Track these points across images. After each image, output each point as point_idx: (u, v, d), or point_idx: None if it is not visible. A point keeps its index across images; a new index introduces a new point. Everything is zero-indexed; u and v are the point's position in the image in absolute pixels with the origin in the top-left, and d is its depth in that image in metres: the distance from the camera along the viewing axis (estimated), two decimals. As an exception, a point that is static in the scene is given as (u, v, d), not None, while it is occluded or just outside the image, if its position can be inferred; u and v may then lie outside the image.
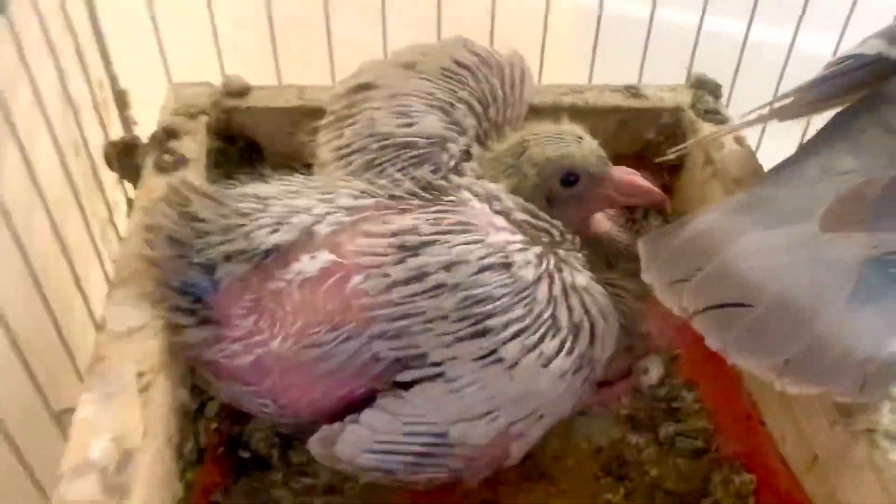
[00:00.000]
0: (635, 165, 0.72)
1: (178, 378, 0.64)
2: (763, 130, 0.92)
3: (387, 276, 0.59)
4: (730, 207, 0.64)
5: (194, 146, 0.75)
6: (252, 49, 0.83)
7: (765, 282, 0.58)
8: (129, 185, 0.84)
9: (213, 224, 0.62)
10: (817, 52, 0.92)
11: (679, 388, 0.77)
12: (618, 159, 0.85)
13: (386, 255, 0.60)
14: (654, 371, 0.78)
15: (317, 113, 0.77)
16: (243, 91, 0.81)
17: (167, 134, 0.75)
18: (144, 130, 0.81)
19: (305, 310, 0.60)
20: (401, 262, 0.59)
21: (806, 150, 0.67)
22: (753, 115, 0.71)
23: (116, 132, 0.84)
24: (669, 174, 0.87)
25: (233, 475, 0.67)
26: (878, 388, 0.56)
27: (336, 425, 0.61)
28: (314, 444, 0.61)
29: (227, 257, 0.61)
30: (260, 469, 0.68)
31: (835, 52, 0.89)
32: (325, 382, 0.61)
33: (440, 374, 0.59)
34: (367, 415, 0.60)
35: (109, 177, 0.83)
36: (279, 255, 0.62)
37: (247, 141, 0.81)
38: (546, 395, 0.61)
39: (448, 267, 0.59)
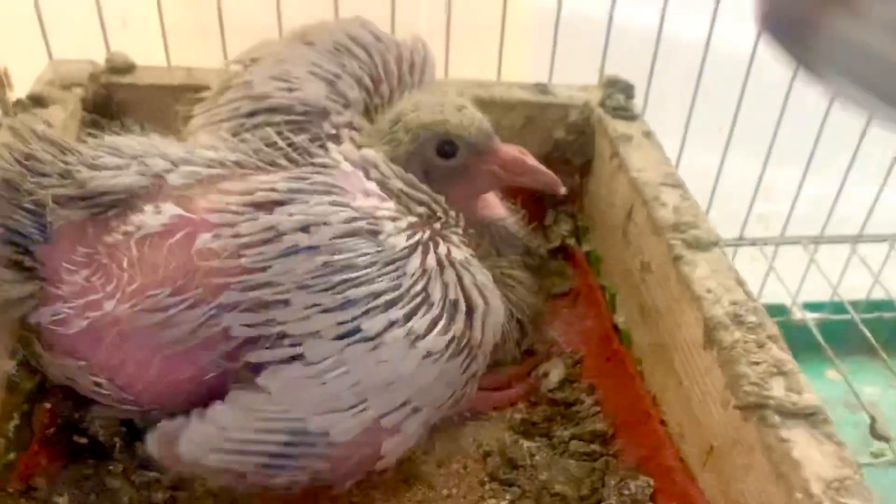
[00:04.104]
0: (545, 166, 0.67)
1: (5, 346, 0.58)
2: (683, 140, 0.89)
3: (237, 235, 0.53)
4: None
5: (62, 115, 0.70)
6: (145, 30, 0.79)
7: None
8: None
9: (52, 167, 0.57)
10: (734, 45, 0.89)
11: (579, 392, 0.70)
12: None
13: (239, 213, 0.54)
14: (554, 375, 0.73)
15: (203, 91, 0.73)
16: (127, 68, 0.77)
17: (33, 101, 0.70)
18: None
19: (145, 268, 0.54)
20: (252, 219, 0.54)
21: None
22: None
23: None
24: (580, 175, 0.83)
25: (62, 460, 0.59)
26: None
27: (178, 420, 0.54)
28: (151, 443, 0.55)
29: (60, 201, 0.56)
30: (96, 457, 0.60)
31: (754, 47, 0.85)
32: (166, 357, 0.55)
33: (299, 357, 0.53)
34: (215, 409, 0.54)
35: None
36: (122, 208, 0.57)
37: (127, 118, 0.76)
38: (416, 380, 0.55)
39: (306, 228, 0.53)
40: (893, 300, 1.03)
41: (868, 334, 0.93)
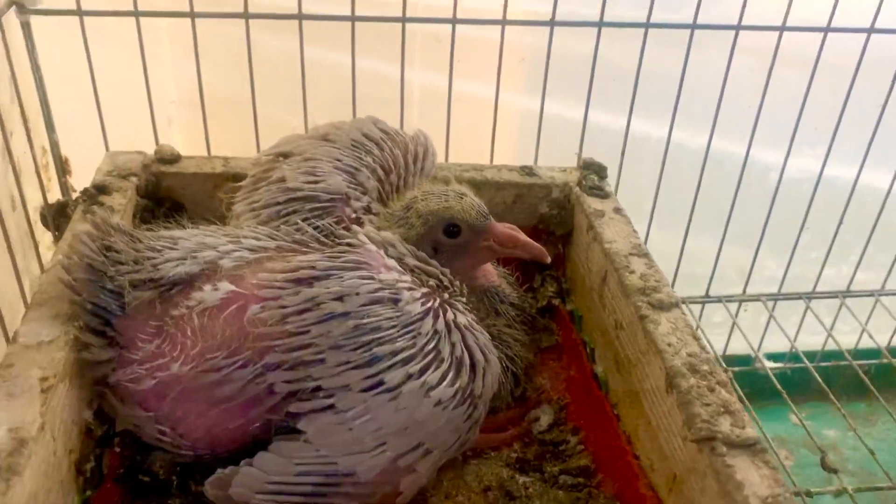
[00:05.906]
0: (532, 237, 0.80)
1: (85, 399, 0.69)
2: (651, 218, 1.02)
3: (282, 307, 0.64)
4: None
5: (123, 201, 0.83)
6: (188, 127, 0.93)
7: None
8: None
9: (126, 255, 0.69)
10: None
11: (566, 433, 0.82)
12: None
13: (283, 288, 0.65)
14: (544, 419, 0.83)
15: (239, 178, 0.85)
16: (174, 158, 0.90)
17: (98, 189, 0.82)
18: (82, 195, 0.88)
19: (205, 335, 0.65)
20: (295, 293, 0.65)
21: None
22: None
23: (56, 196, 0.92)
24: (563, 244, 0.95)
25: (129, 497, 0.70)
26: None
27: (230, 469, 0.65)
28: (209, 486, 0.65)
29: (135, 284, 0.67)
30: (158, 494, 0.71)
31: (707, 147, 1.00)
32: (220, 410, 0.65)
33: (331, 407, 0.63)
34: (261, 457, 0.64)
35: (45, 239, 0.90)
36: (184, 286, 0.68)
37: (173, 202, 0.89)
38: (428, 425, 0.65)
39: (340, 298, 0.64)
40: (843, 351, 1.15)
41: (822, 383, 1.05)
